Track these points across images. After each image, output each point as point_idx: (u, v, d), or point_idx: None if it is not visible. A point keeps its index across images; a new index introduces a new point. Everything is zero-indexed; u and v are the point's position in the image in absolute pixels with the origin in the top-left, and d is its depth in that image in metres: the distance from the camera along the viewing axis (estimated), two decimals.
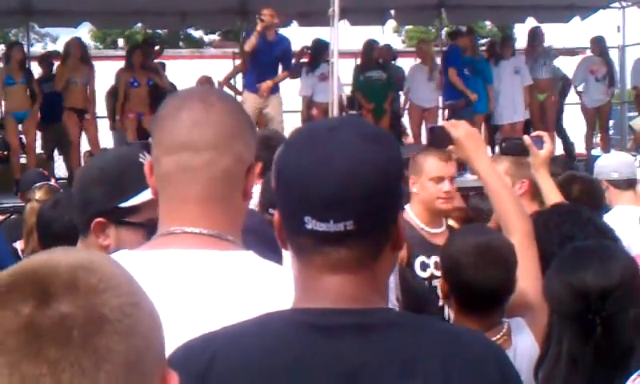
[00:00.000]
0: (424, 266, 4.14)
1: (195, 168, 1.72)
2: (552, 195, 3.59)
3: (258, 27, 10.46)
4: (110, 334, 0.98)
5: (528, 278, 2.82)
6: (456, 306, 2.96)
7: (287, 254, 1.54)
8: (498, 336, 2.83)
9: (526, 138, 3.51)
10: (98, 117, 12.22)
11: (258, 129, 11.19)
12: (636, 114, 13.38)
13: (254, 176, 1.80)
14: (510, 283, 2.81)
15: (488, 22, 22.50)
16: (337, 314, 1.44)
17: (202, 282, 1.66)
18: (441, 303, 3.89)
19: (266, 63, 10.68)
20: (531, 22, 14.66)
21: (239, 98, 10.47)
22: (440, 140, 3.16)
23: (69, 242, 2.59)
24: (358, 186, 1.41)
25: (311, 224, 1.42)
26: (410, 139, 13.56)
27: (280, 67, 10.92)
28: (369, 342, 1.42)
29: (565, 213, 3.24)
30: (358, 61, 12.98)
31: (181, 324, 1.57)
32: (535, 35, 12.98)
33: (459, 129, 3.02)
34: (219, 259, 1.70)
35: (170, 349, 1.48)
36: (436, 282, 4.03)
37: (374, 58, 12.53)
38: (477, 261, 2.83)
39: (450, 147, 3.11)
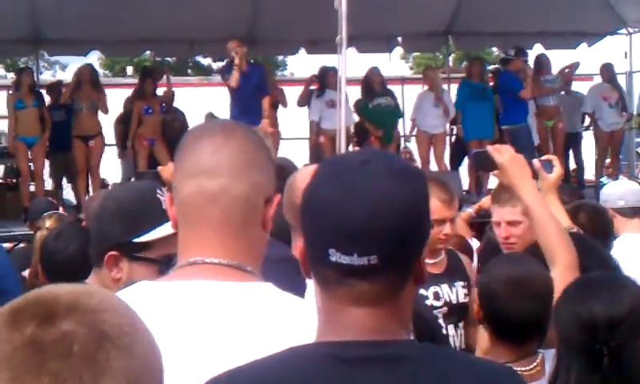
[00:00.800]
0: (422, 298, 4.04)
1: (213, 192, 1.74)
2: (560, 220, 3.56)
3: (237, 61, 10.68)
4: (110, 350, 1.03)
5: None
6: (490, 332, 2.96)
7: (311, 283, 1.54)
8: (531, 366, 2.81)
9: (535, 161, 3.46)
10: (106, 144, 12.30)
11: None
12: None
13: (273, 207, 1.82)
14: (545, 314, 2.77)
15: (495, 49, 22.51)
16: (360, 346, 1.44)
17: (222, 315, 1.67)
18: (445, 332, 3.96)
19: (246, 94, 10.88)
20: (538, 48, 14.71)
21: None
22: (484, 164, 3.16)
23: (72, 272, 2.62)
24: (384, 221, 1.41)
25: (335, 256, 1.42)
26: (416, 165, 13.57)
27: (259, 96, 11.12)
28: (393, 374, 1.42)
29: None
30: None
31: (200, 355, 1.60)
32: (541, 62, 13.01)
33: (504, 154, 3.02)
34: (239, 291, 1.71)
35: (190, 381, 1.50)
36: (436, 313, 4.02)
37: (379, 83, 12.58)
38: (509, 293, 2.82)
39: (495, 172, 3.12)
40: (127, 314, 1.09)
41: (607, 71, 13.17)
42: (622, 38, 14.94)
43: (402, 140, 14.25)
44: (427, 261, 4.03)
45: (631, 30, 14.64)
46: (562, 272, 2.85)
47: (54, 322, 1.02)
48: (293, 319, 1.67)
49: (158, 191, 2.34)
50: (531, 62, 13.03)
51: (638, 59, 14.71)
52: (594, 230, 4.17)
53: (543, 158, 3.61)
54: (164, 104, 12.35)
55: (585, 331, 2.33)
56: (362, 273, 1.42)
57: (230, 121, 2.19)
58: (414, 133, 13.03)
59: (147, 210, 2.29)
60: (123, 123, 12.71)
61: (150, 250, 2.28)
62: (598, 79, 13.45)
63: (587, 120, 13.60)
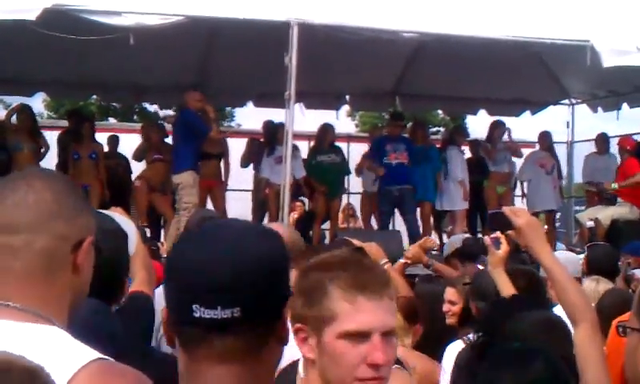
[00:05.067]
0: None
1: (14, 248, 1.81)
2: (506, 290, 3.78)
3: (212, 115, 11.27)
4: None
5: (594, 370, 2.82)
6: None
7: None
8: None
9: (486, 238, 3.75)
10: None
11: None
12: (582, 208, 13.62)
13: (83, 251, 1.87)
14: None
15: (440, 112, 22.83)
16: None
17: None
18: None
19: (197, 140, 11.11)
20: (483, 114, 14.95)
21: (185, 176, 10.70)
22: (500, 225, 3.33)
23: None
24: (245, 274, 1.47)
25: (199, 312, 1.46)
26: (359, 223, 13.65)
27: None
28: None
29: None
30: (312, 143, 13.12)
31: None
32: (496, 128, 13.17)
33: (520, 218, 3.14)
34: (13, 331, 1.73)
35: None
36: None
37: (328, 140, 12.66)
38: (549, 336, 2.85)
39: (510, 233, 3.24)
40: None
41: (545, 139, 13.44)
42: (564, 109, 15.23)
43: (346, 197, 14.32)
44: None
45: (574, 101, 14.96)
46: (588, 331, 2.89)
47: None
48: (63, 364, 1.67)
49: None
50: (479, 126, 13.29)
51: (580, 129, 15.02)
52: (532, 295, 4.25)
53: (493, 235, 3.84)
54: (94, 152, 12.28)
55: None
56: (226, 327, 1.46)
57: (34, 171, 2.22)
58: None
59: None
60: (62, 168, 12.59)
61: None
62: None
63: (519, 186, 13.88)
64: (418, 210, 12.45)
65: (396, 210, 12.29)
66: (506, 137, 13.21)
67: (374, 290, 1.97)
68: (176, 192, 10.94)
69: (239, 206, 12.50)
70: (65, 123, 14.31)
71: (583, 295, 3.03)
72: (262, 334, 1.49)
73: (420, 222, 12.48)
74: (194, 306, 1.46)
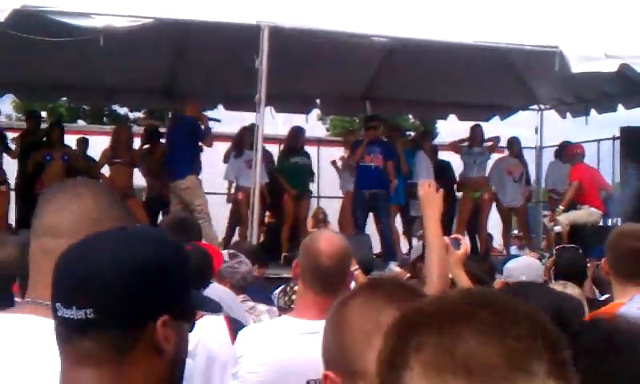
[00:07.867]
0: None
1: (54, 251, 1.80)
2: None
3: (205, 125, 11.40)
4: None
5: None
6: None
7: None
8: None
9: (445, 238, 3.81)
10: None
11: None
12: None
13: None
14: None
15: (411, 116, 22.90)
16: None
17: (29, 346, 1.76)
18: None
19: (197, 145, 11.30)
20: (453, 119, 15.01)
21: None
22: (412, 194, 3.84)
23: None
24: (101, 275, 1.46)
25: (61, 311, 1.48)
26: (330, 228, 13.62)
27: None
28: None
29: None
30: (282, 146, 13.08)
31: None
32: (476, 133, 13.12)
33: (423, 188, 3.60)
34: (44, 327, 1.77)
35: None
36: None
37: (300, 142, 12.65)
38: None
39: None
40: None
41: (514, 145, 13.43)
42: (533, 114, 15.33)
43: (317, 200, 14.30)
44: None
45: (542, 107, 15.06)
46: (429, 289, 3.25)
47: None
48: None
49: None
50: (450, 131, 13.33)
51: (548, 135, 15.13)
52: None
53: (452, 236, 4.08)
54: (66, 155, 12.22)
55: None
56: (83, 328, 1.46)
57: (84, 180, 2.27)
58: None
59: None
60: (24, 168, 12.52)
61: None
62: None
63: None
64: None
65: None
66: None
67: (488, 376, 1.01)
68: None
69: (214, 210, 12.42)
70: None
71: (442, 270, 3.41)
72: (122, 339, 1.47)
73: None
74: (57, 304, 1.48)
